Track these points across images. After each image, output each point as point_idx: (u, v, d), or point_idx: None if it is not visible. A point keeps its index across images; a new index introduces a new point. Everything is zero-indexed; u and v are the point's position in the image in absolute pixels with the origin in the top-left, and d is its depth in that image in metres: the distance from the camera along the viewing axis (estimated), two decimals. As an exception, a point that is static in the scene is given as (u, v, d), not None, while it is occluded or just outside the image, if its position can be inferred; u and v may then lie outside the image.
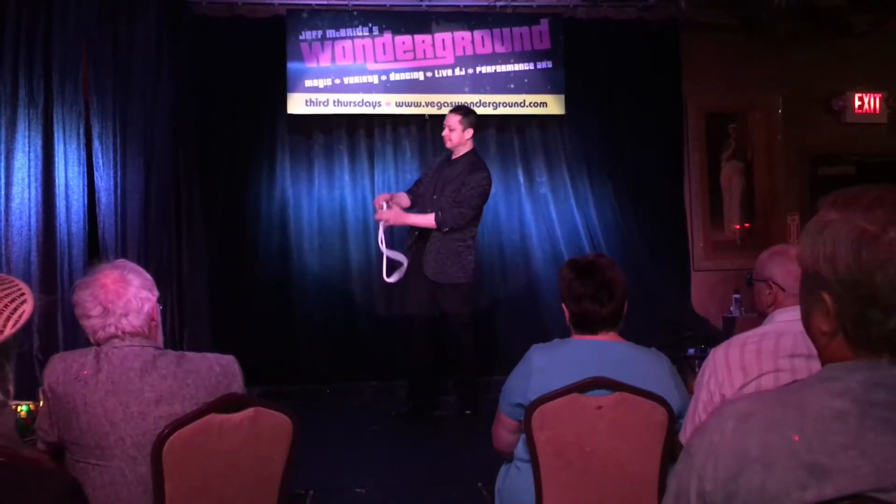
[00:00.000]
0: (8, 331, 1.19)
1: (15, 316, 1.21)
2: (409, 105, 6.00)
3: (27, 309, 1.23)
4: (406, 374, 5.07)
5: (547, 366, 2.17)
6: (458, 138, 4.81)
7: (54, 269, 4.50)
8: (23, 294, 1.25)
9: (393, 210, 4.82)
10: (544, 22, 6.22)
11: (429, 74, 6.13)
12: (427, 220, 4.72)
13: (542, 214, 6.24)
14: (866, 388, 0.97)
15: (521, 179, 6.25)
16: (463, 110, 4.89)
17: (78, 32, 4.68)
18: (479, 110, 6.10)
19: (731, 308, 6.09)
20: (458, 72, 6.15)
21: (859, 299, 0.97)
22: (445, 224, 4.69)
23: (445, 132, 4.83)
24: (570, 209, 6.24)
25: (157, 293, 2.03)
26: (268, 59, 5.97)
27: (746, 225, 6.63)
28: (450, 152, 4.93)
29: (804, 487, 0.93)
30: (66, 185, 4.57)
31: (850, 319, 0.99)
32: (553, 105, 6.21)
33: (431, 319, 4.87)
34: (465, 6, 6.22)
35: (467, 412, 4.76)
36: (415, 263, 4.77)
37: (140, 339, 1.94)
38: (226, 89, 5.92)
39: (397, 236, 5.33)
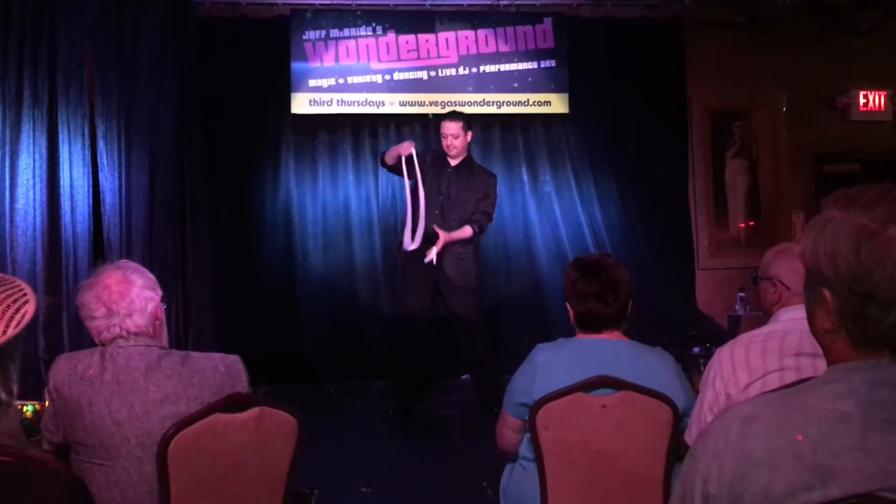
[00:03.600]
0: (11, 331, 1.19)
1: (17, 316, 1.21)
2: (412, 104, 6.00)
3: (30, 309, 1.23)
4: (395, 374, 5.07)
5: (551, 365, 2.17)
6: (463, 144, 4.80)
7: (59, 270, 4.51)
8: (25, 295, 1.25)
9: (442, 236, 4.63)
10: (548, 21, 6.22)
11: (432, 74, 6.13)
12: (466, 232, 4.72)
13: (546, 213, 6.24)
14: (869, 388, 0.97)
15: (525, 178, 6.25)
16: (462, 116, 4.87)
17: (82, 33, 4.69)
18: (483, 109, 6.14)
19: (737, 307, 6.08)
20: (461, 71, 6.15)
21: (858, 296, 0.98)
22: (482, 232, 4.86)
23: (448, 141, 4.76)
24: (575, 208, 6.24)
25: (160, 292, 2.04)
26: (272, 59, 5.98)
27: (751, 223, 6.62)
28: (442, 155, 4.88)
29: (810, 489, 0.94)
30: (71, 186, 4.58)
31: (850, 316, 0.99)
32: (557, 104, 6.20)
33: (431, 322, 4.89)
34: (468, 5, 6.21)
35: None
36: (423, 269, 4.74)
37: (145, 339, 1.94)
38: (230, 89, 5.92)
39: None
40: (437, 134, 5.01)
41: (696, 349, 4.96)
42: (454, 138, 4.75)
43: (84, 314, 1.96)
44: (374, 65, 6.08)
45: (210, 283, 5.41)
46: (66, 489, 1.15)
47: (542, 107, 6.21)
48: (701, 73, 6.49)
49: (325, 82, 6.02)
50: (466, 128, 4.81)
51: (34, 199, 4.48)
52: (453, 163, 4.84)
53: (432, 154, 4.95)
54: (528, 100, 6.18)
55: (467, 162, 4.88)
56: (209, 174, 5.64)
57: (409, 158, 4.68)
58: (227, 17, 5.99)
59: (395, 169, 4.81)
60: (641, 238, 6.26)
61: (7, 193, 4.42)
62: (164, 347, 2.00)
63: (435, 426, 4.81)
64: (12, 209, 4.41)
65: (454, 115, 4.86)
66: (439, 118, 5.04)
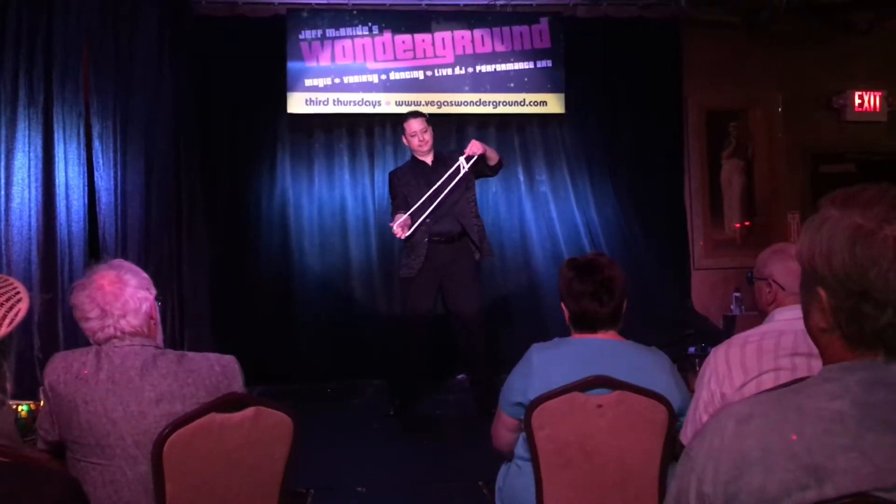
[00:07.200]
0: (3, 330, 1.19)
1: (11, 315, 1.21)
2: (409, 104, 5.98)
3: (22, 308, 1.23)
4: (395, 372, 5.07)
5: (547, 365, 2.17)
6: (432, 137, 4.86)
7: (55, 270, 4.49)
8: (18, 293, 1.25)
9: (477, 144, 4.74)
10: (544, 21, 6.22)
11: (429, 73, 6.13)
12: (494, 154, 4.85)
13: (542, 213, 6.24)
14: (864, 388, 0.97)
15: (522, 178, 6.25)
16: (420, 113, 4.92)
17: (79, 32, 4.68)
18: (479, 109, 6.16)
19: (732, 306, 6.09)
20: (457, 71, 6.15)
21: (853, 295, 0.98)
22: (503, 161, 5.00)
23: (419, 137, 4.78)
24: (571, 208, 6.24)
25: (154, 291, 2.03)
26: (268, 58, 5.97)
27: (747, 223, 6.63)
28: (411, 163, 4.95)
29: (804, 488, 0.94)
30: (67, 185, 4.56)
31: (845, 315, 1.00)
32: (553, 104, 6.21)
33: (435, 319, 4.92)
34: (464, 5, 6.21)
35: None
36: (430, 265, 4.75)
37: (140, 339, 1.94)
38: (226, 89, 5.92)
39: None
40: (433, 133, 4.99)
41: (692, 349, 4.98)
42: (423, 133, 4.80)
43: (78, 315, 1.96)
44: (371, 64, 6.08)
45: (206, 282, 5.40)
46: (61, 489, 1.14)
47: (538, 107, 6.21)
48: (697, 73, 6.50)
49: (321, 82, 6.02)
50: (428, 122, 4.87)
51: (29, 199, 4.46)
52: (429, 160, 4.87)
53: (405, 167, 5.01)
54: (524, 100, 6.18)
55: (438, 154, 4.92)
56: (205, 173, 5.63)
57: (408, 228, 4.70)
58: (223, 16, 5.99)
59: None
60: (637, 238, 6.26)
61: (2, 192, 4.40)
62: (160, 347, 1.99)
63: (431, 426, 4.81)
64: (7, 208, 4.40)
65: (416, 114, 4.91)
66: (402, 117, 5.05)
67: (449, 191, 4.72)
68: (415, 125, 4.80)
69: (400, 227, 4.66)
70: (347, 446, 4.29)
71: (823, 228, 1.02)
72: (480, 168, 4.85)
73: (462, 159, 4.72)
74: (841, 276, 0.99)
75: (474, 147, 4.73)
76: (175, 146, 5.24)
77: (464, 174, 4.75)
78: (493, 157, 4.82)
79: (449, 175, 4.71)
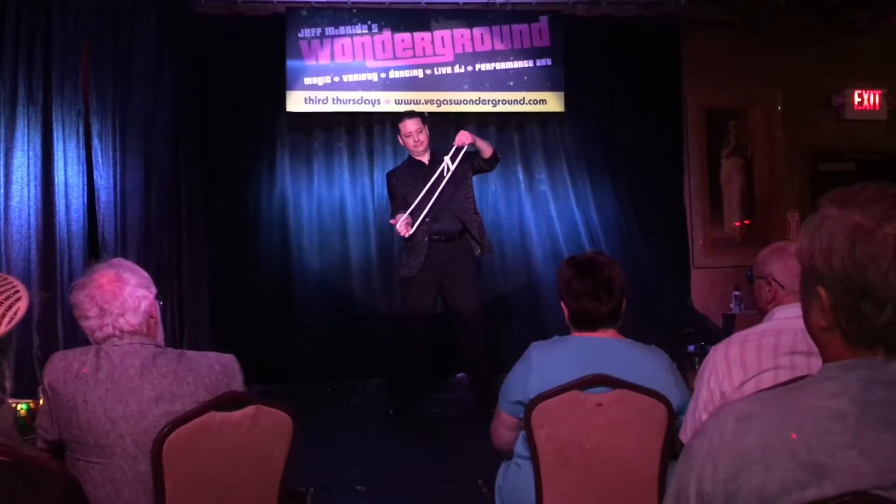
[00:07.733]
0: (3, 328, 1.19)
1: (10, 313, 1.21)
2: (408, 103, 5.99)
3: (22, 307, 1.23)
4: (395, 371, 5.07)
5: (546, 363, 2.17)
6: (427, 138, 4.86)
7: (54, 268, 4.49)
8: (17, 292, 1.25)
9: (466, 135, 4.75)
10: (544, 19, 6.22)
11: (428, 72, 6.13)
12: (487, 146, 4.85)
13: (541, 212, 6.24)
14: (864, 386, 0.97)
15: (521, 177, 6.25)
16: (417, 114, 4.93)
17: (78, 30, 4.67)
18: (479, 108, 6.16)
19: (731, 305, 6.10)
20: (457, 69, 6.15)
21: (853, 293, 0.98)
22: (499, 155, 4.98)
23: (414, 138, 4.79)
24: (570, 207, 6.24)
25: (154, 290, 2.03)
26: (267, 56, 5.97)
27: (746, 222, 6.63)
28: (408, 163, 4.96)
29: (804, 486, 0.94)
30: (66, 184, 4.56)
31: (845, 314, 1.00)
32: (553, 102, 6.21)
33: (434, 318, 4.92)
34: (464, 3, 6.21)
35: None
36: (430, 263, 4.75)
37: (139, 338, 1.93)
38: (225, 87, 5.92)
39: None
40: (432, 132, 4.99)
41: (691, 347, 4.99)
42: (419, 133, 4.81)
43: (77, 314, 1.95)
44: (370, 63, 6.08)
45: (206, 281, 5.40)
46: (60, 489, 1.14)
47: (537, 105, 6.21)
48: (696, 71, 6.50)
49: (320, 80, 6.02)
50: (425, 122, 4.87)
51: (28, 197, 4.46)
52: (426, 159, 4.87)
53: (403, 167, 5.02)
54: (523, 98, 6.18)
55: (435, 153, 4.91)
56: (205, 172, 5.64)
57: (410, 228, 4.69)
58: (222, 14, 5.99)
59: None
60: (637, 236, 6.26)
61: (2, 191, 4.40)
62: (160, 346, 1.99)
63: (431, 425, 4.81)
64: (7, 207, 4.40)
65: (411, 114, 4.92)
66: (400, 116, 5.06)
67: (444, 185, 4.73)
68: (410, 126, 4.80)
69: (404, 224, 4.66)
70: (347, 445, 4.29)
71: (823, 227, 1.02)
72: (476, 162, 4.86)
73: (449, 154, 4.73)
74: (840, 274, 0.99)
75: (462, 137, 4.73)
76: (174, 145, 5.24)
77: (458, 166, 4.75)
78: (485, 149, 4.81)
79: (440, 170, 4.71)
